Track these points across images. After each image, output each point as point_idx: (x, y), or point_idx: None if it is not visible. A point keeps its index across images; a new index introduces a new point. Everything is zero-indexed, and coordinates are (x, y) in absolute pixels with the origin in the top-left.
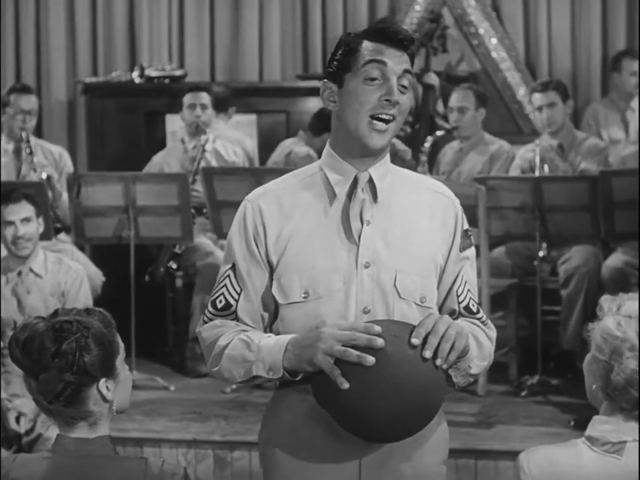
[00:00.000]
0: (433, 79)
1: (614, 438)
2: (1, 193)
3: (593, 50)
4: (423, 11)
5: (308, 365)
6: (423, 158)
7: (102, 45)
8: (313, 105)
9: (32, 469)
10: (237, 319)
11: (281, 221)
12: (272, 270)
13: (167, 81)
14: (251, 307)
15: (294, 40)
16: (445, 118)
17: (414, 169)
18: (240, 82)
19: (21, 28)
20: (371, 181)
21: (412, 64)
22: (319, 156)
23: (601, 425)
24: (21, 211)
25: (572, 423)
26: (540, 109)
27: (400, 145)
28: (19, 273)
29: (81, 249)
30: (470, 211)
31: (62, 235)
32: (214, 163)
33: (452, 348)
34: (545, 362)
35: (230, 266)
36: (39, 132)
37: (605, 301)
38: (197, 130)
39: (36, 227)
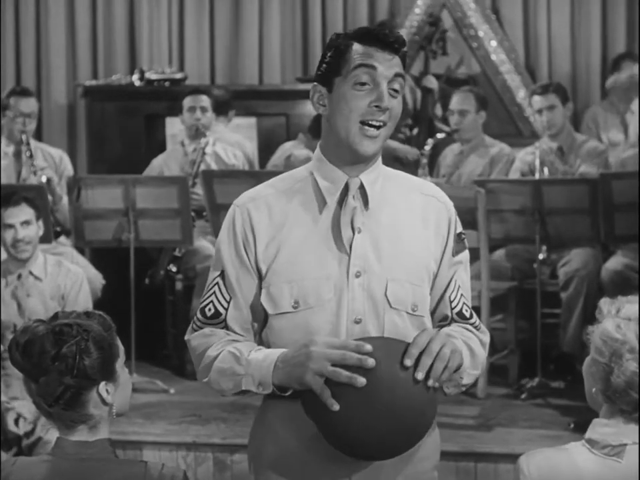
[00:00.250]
0: (432, 82)
1: (614, 441)
2: (1, 195)
3: (592, 52)
4: (423, 13)
5: (297, 383)
6: (424, 160)
7: (102, 48)
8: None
9: (32, 472)
10: (226, 327)
11: (270, 228)
12: (261, 278)
13: (167, 84)
14: (240, 315)
15: (294, 43)
16: (444, 121)
17: (414, 171)
18: (240, 85)
19: (21, 31)
20: (362, 187)
21: (404, 66)
22: None
23: (600, 428)
24: (21, 214)
25: (572, 426)
26: (540, 111)
27: (401, 148)
28: (19, 276)
29: (81, 251)
30: (470, 214)
31: (62, 238)
32: (214, 166)
33: (445, 367)
34: (545, 364)
35: (219, 273)
36: (38, 135)
37: (604, 303)
38: (196, 133)
39: (36, 230)
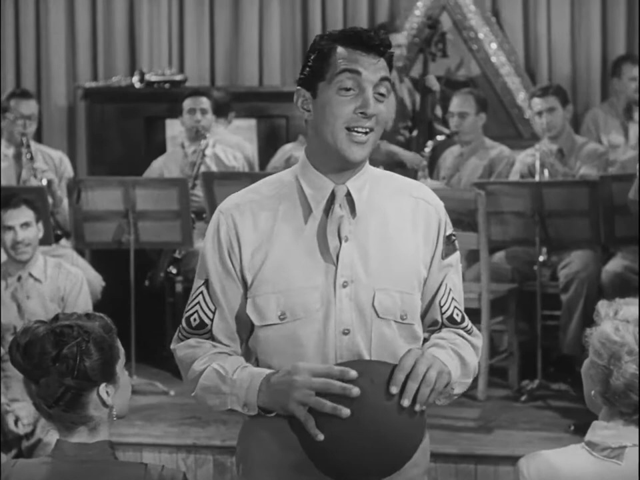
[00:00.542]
0: (433, 82)
1: (613, 443)
2: (1, 197)
3: (592, 55)
4: (423, 16)
5: (282, 410)
6: (424, 163)
7: (102, 49)
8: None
9: (32, 474)
10: (212, 337)
11: (256, 236)
12: (246, 287)
13: (166, 85)
14: (226, 325)
15: (294, 44)
16: (444, 123)
17: (414, 174)
18: (240, 87)
19: (21, 32)
20: (348, 194)
21: (390, 68)
22: None
23: (600, 430)
24: (21, 215)
25: (572, 428)
26: (540, 113)
27: (404, 154)
28: (19, 278)
29: (81, 253)
30: (470, 216)
31: (62, 240)
32: (214, 168)
33: (432, 390)
34: (545, 367)
35: (203, 282)
36: (39, 137)
37: (602, 306)
38: (196, 135)
39: (35, 232)
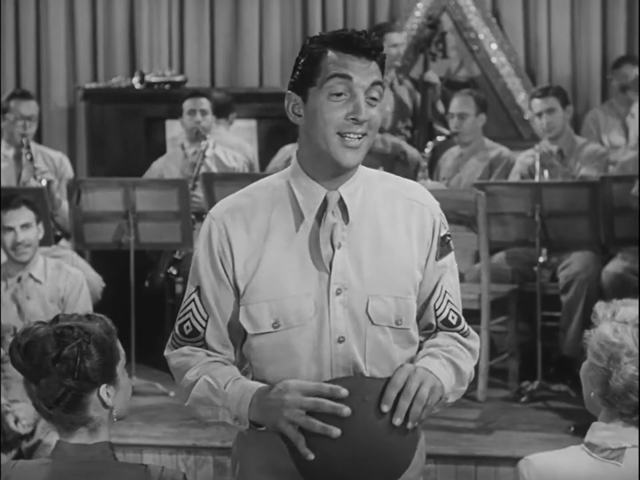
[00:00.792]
0: (433, 77)
1: (613, 444)
2: (1, 198)
3: (592, 55)
4: (423, 16)
5: (272, 428)
6: (424, 163)
7: (102, 50)
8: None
9: (32, 475)
10: (205, 345)
11: (248, 243)
12: (239, 295)
13: (167, 86)
14: (219, 333)
15: (294, 45)
16: (445, 121)
17: (413, 175)
18: (240, 87)
19: (21, 33)
20: (341, 200)
21: (383, 71)
22: None
23: (600, 431)
24: (21, 216)
25: (572, 429)
26: (540, 114)
27: (408, 148)
28: (19, 279)
29: (81, 254)
30: (470, 217)
31: (62, 241)
32: (214, 169)
33: (424, 407)
34: (545, 368)
35: (195, 289)
36: (39, 138)
37: (600, 307)
38: (197, 136)
39: (35, 232)
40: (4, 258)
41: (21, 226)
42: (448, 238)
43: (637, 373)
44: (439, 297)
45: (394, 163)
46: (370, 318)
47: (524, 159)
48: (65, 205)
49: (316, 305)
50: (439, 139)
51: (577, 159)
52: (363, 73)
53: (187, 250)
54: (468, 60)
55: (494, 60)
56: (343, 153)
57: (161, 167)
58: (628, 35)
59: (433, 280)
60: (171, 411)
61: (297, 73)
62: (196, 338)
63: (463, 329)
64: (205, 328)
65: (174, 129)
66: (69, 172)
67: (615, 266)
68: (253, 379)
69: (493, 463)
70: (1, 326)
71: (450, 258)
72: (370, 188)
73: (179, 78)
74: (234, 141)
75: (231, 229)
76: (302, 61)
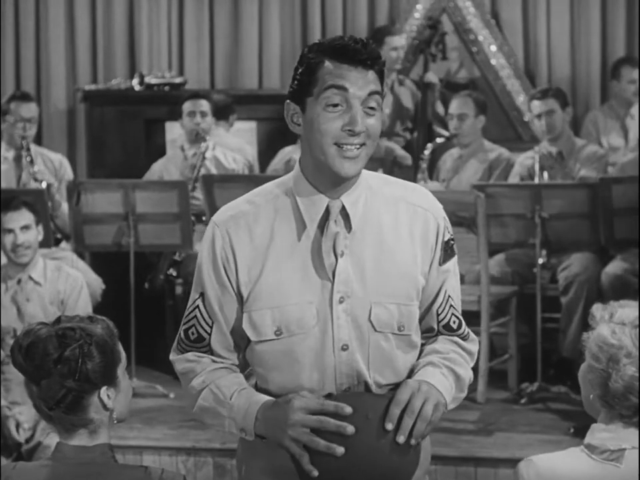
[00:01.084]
0: (432, 78)
1: (613, 445)
2: (1, 200)
3: (592, 57)
4: (422, 18)
5: (277, 444)
6: (423, 165)
7: (102, 52)
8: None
9: (31, 477)
10: (210, 351)
11: (251, 251)
12: (242, 301)
13: (166, 88)
14: (224, 338)
15: (293, 47)
16: (444, 122)
17: (413, 176)
18: (239, 89)
19: (21, 36)
20: (343, 209)
21: (382, 80)
22: None
23: (599, 433)
24: (21, 218)
25: (572, 431)
26: (539, 116)
27: (399, 151)
28: (19, 281)
29: (81, 256)
30: (469, 219)
31: (62, 243)
32: (214, 171)
33: (428, 424)
34: (545, 369)
35: (199, 295)
36: (38, 140)
37: (597, 309)
38: (196, 137)
39: (35, 234)
40: (4, 260)
41: (20, 228)
42: (452, 242)
43: (636, 374)
44: (442, 302)
45: (391, 166)
46: (373, 325)
47: (523, 160)
48: (64, 206)
49: (318, 313)
50: (439, 140)
51: (576, 160)
52: (359, 83)
53: (186, 251)
54: (467, 61)
55: (493, 61)
56: (341, 164)
57: (161, 169)
58: (627, 36)
59: (436, 285)
60: (171, 413)
61: (295, 82)
62: (201, 344)
63: (463, 332)
64: (210, 334)
65: (173, 131)
66: (68, 174)
67: (614, 267)
68: (256, 384)
69: (492, 464)
70: (0, 328)
71: (453, 262)
72: (372, 195)
73: (178, 80)
74: (234, 143)
75: (234, 236)
76: (300, 70)
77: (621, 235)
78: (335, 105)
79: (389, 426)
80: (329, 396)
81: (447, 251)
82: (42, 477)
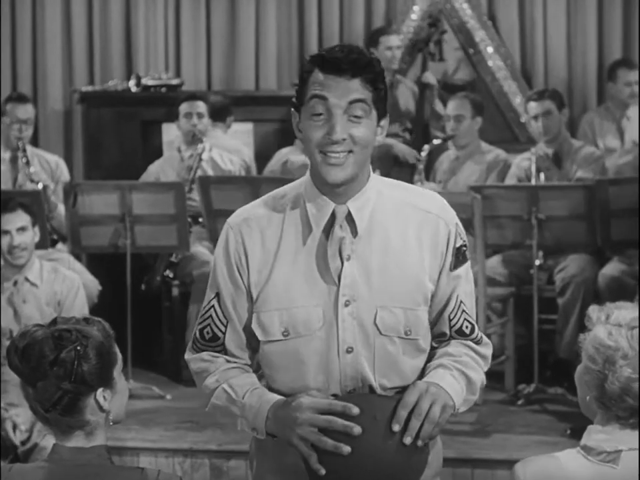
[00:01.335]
0: (430, 77)
1: (609, 447)
2: None
3: (588, 59)
4: (419, 19)
5: (286, 442)
6: (420, 166)
7: (98, 53)
8: None
9: (28, 479)
10: (224, 350)
11: (262, 253)
12: (252, 302)
13: (163, 89)
14: (238, 337)
15: (290, 49)
16: (442, 124)
17: (411, 174)
18: (236, 91)
19: (18, 36)
20: (349, 214)
21: (375, 85)
22: None
23: (596, 434)
24: (17, 220)
25: (568, 432)
26: (536, 117)
27: (400, 146)
28: (15, 282)
29: (77, 257)
30: (466, 220)
31: (58, 244)
32: (210, 172)
33: (435, 426)
34: (542, 370)
35: (214, 295)
36: (35, 141)
37: (593, 311)
38: (193, 139)
39: (32, 236)
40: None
41: (17, 229)
42: (464, 248)
43: (633, 376)
44: (453, 307)
45: (391, 165)
46: (378, 328)
47: (520, 162)
48: (61, 208)
49: (324, 315)
50: (435, 142)
51: (573, 161)
52: (340, 92)
53: (183, 253)
54: (464, 63)
55: (490, 63)
56: (327, 170)
57: (158, 170)
58: (624, 38)
59: (447, 290)
60: (167, 414)
61: (295, 91)
62: (216, 343)
63: (476, 337)
64: (224, 333)
65: (170, 132)
66: (65, 175)
67: (611, 269)
68: (266, 385)
69: (489, 466)
70: None
71: (465, 268)
72: (381, 199)
73: (175, 81)
74: (231, 144)
75: (247, 239)
76: (298, 80)
77: (618, 237)
78: (318, 115)
79: (396, 427)
80: (336, 397)
81: (459, 257)
82: (38, 479)
